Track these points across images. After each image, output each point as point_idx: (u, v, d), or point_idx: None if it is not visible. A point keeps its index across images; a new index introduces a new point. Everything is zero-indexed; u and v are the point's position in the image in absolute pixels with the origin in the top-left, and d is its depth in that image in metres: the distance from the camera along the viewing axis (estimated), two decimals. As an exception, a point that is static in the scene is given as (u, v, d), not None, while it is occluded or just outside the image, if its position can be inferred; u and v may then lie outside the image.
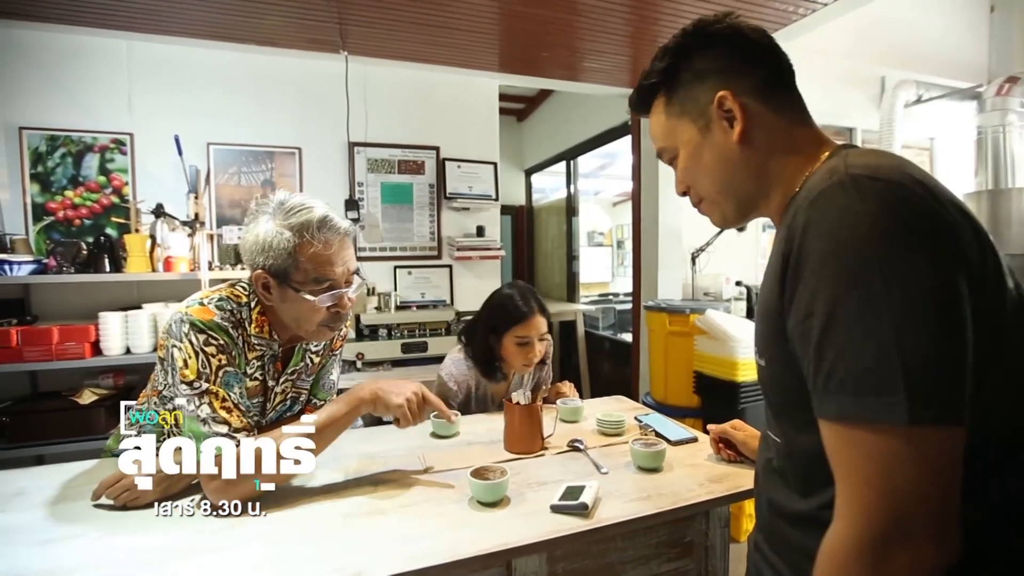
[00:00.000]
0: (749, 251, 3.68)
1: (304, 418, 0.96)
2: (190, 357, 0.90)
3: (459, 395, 1.52)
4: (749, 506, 2.39)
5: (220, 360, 0.92)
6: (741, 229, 3.28)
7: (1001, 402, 0.50)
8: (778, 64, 0.67)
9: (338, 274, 1.00)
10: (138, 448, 1.11)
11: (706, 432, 1.23)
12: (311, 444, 0.93)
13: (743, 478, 1.02)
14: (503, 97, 3.25)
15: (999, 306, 0.49)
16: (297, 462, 0.91)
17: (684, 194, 0.76)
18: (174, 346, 0.92)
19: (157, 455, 1.08)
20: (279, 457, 0.90)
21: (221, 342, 0.93)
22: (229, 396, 0.92)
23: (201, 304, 0.95)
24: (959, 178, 4.27)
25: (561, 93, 4.60)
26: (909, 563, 0.44)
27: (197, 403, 0.89)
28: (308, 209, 0.96)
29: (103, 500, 0.91)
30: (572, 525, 0.85)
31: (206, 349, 0.91)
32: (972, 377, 0.46)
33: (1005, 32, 4.26)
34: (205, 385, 0.90)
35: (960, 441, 0.45)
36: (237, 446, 0.88)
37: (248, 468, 0.88)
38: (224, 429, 0.89)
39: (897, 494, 0.44)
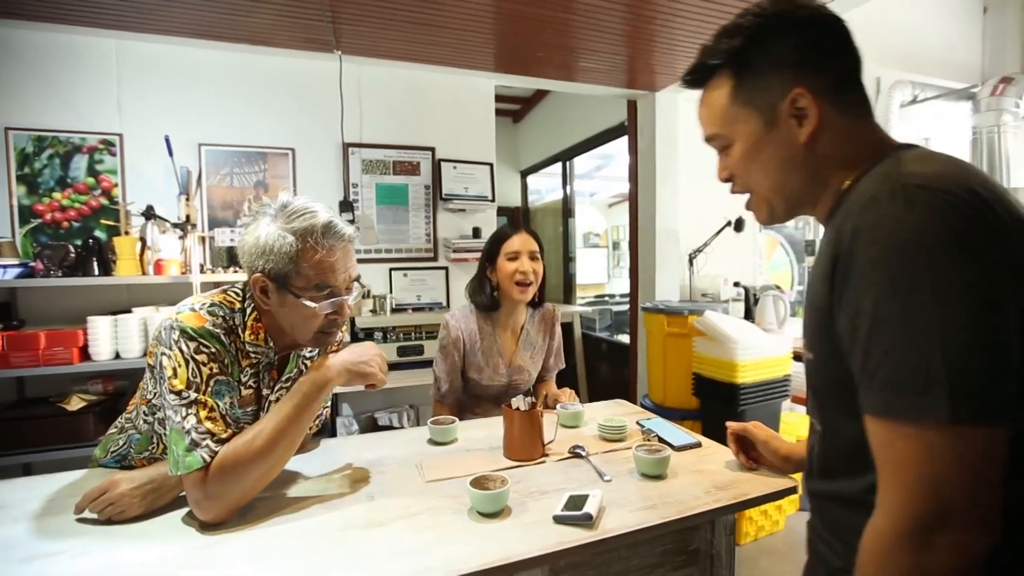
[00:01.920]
0: (747, 252, 3.67)
1: (274, 408, 0.92)
2: (179, 366, 0.87)
3: (462, 342, 1.55)
4: (752, 510, 2.37)
5: (211, 369, 0.89)
6: (739, 229, 3.28)
7: None
8: (854, 59, 0.65)
9: (340, 281, 0.97)
10: (123, 463, 1.09)
11: (707, 435, 1.22)
12: (287, 433, 0.89)
13: (749, 485, 1.00)
14: (499, 98, 3.23)
15: None
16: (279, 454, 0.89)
17: (727, 181, 0.74)
18: (163, 354, 0.89)
19: (143, 466, 1.06)
20: (257, 454, 0.86)
21: (212, 350, 0.90)
22: (217, 406, 0.88)
23: (192, 310, 0.92)
24: (954, 178, 4.29)
25: (557, 94, 4.59)
26: (949, 550, 0.46)
27: (184, 414, 0.85)
28: (312, 213, 0.94)
29: (87, 514, 0.87)
30: (576, 537, 0.82)
31: (196, 357, 0.88)
32: (1021, 378, 0.47)
33: (998, 33, 4.29)
34: (194, 395, 0.86)
35: (1002, 438, 0.47)
36: (214, 456, 0.85)
37: (232, 477, 0.84)
38: (207, 441, 0.85)
39: (937, 486, 0.47)
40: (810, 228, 4.02)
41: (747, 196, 0.74)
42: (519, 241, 1.53)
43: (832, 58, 0.64)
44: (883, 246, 0.50)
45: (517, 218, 1.56)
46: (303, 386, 0.94)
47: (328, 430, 2.63)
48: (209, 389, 0.88)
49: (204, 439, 0.85)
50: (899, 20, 3.98)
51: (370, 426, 2.81)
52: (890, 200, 0.52)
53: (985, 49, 4.37)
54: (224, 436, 0.87)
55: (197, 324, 0.89)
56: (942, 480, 0.47)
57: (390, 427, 2.78)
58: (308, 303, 0.94)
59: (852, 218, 0.54)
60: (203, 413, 0.86)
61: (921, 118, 4.03)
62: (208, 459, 0.84)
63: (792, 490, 1.00)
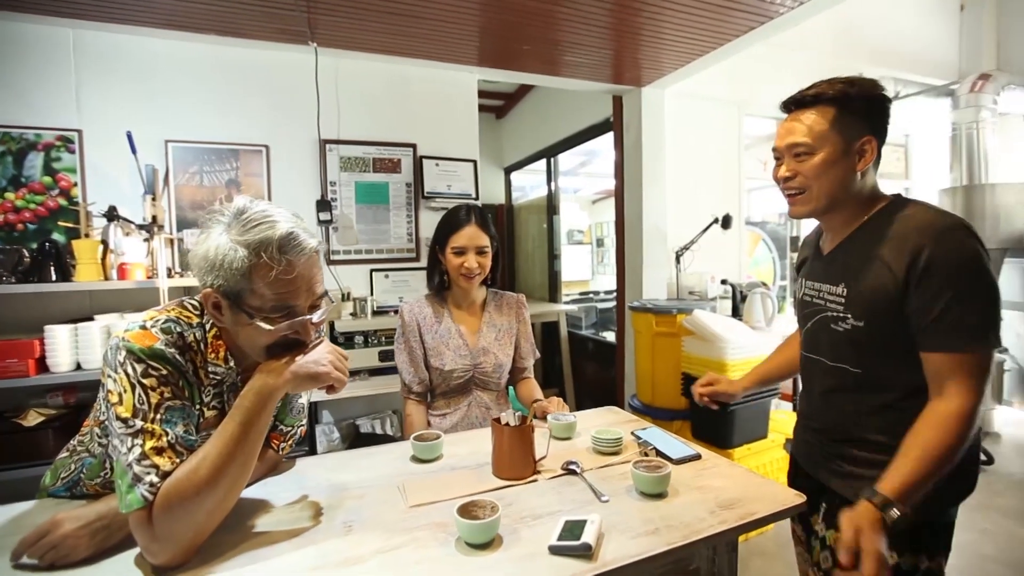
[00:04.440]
0: (731, 249, 3.65)
1: (217, 430, 0.81)
2: (125, 391, 0.77)
3: (416, 327, 1.53)
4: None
5: (161, 394, 0.79)
6: (727, 226, 3.26)
7: None
8: (887, 131, 1.00)
9: (301, 301, 0.85)
10: (75, 490, 0.99)
11: (696, 437, 1.26)
12: (234, 457, 0.79)
13: (756, 503, 0.94)
14: (481, 94, 3.14)
15: None
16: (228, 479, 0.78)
17: (788, 180, 1.03)
18: (109, 376, 0.79)
19: (96, 492, 0.96)
20: (203, 485, 0.75)
21: (163, 372, 0.80)
22: (166, 434, 0.78)
23: (143, 328, 0.82)
24: (934, 174, 4.34)
25: (541, 89, 4.51)
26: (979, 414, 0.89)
27: (129, 444, 0.76)
28: (270, 224, 0.82)
29: (25, 560, 0.77)
30: (575, 570, 0.75)
31: (144, 381, 0.78)
32: None
33: (975, 30, 4.33)
34: (140, 424, 0.76)
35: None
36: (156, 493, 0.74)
37: (178, 514, 0.74)
38: (150, 475, 0.74)
39: (984, 380, 0.89)
40: (793, 225, 4.03)
41: (784, 193, 1.05)
42: (467, 236, 1.48)
43: (886, 127, 1.00)
44: (961, 258, 0.89)
45: (469, 208, 1.48)
46: (245, 399, 0.82)
47: (307, 441, 2.53)
48: (158, 416, 0.78)
49: (147, 473, 0.74)
50: (880, 18, 3.99)
51: (352, 433, 2.71)
52: (960, 232, 0.90)
53: (963, 47, 4.41)
54: (170, 469, 0.76)
55: (146, 344, 0.79)
56: (985, 377, 0.89)
57: (373, 434, 2.69)
58: (263, 325, 0.82)
59: (931, 240, 0.90)
60: (149, 444, 0.76)
61: (902, 114, 4.06)
62: (151, 496, 0.73)
63: (800, 506, 0.95)
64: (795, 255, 3.32)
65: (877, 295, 0.95)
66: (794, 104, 1.02)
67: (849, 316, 0.99)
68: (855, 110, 0.96)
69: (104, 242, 2.10)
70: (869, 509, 0.85)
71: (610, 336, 4.11)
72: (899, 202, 1.00)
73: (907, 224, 0.94)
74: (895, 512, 0.84)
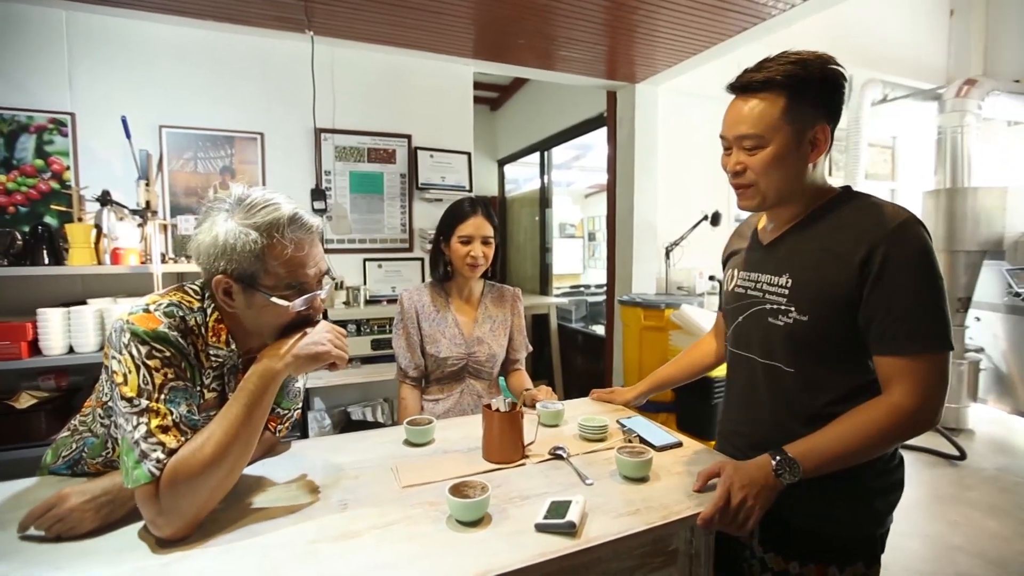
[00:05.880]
0: (721, 246, 3.70)
1: (222, 411, 0.84)
2: (130, 371, 0.80)
3: (415, 314, 1.57)
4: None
5: (165, 375, 0.82)
6: (716, 223, 3.31)
7: None
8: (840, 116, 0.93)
9: (311, 276, 0.91)
10: (76, 469, 1.01)
11: (682, 430, 1.28)
12: (238, 437, 0.82)
13: (731, 487, 0.99)
14: (476, 85, 3.15)
15: None
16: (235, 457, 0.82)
17: (738, 173, 0.95)
18: (114, 358, 0.82)
19: (97, 471, 0.99)
20: (208, 463, 0.79)
21: (167, 354, 0.83)
22: (171, 414, 0.81)
23: (146, 311, 0.84)
24: (919, 176, 4.43)
25: (536, 82, 4.53)
26: (938, 413, 0.87)
27: (135, 423, 0.79)
28: (275, 206, 0.87)
29: (32, 531, 0.80)
30: (559, 546, 0.79)
31: (148, 363, 0.81)
32: None
33: (963, 36, 4.41)
34: (145, 403, 0.79)
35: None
36: (163, 469, 0.77)
37: (184, 490, 0.77)
38: (157, 452, 0.78)
39: (941, 386, 0.85)
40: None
41: (733, 186, 0.98)
42: (473, 225, 1.52)
43: (840, 109, 0.92)
44: (917, 252, 0.85)
45: (473, 201, 1.54)
46: (249, 382, 0.86)
47: (299, 427, 2.56)
48: (163, 396, 0.81)
49: (154, 450, 0.78)
50: (870, 20, 4.05)
51: (343, 420, 2.75)
52: (916, 226, 0.86)
53: (951, 51, 4.49)
54: (176, 447, 0.80)
55: (149, 327, 0.82)
56: (945, 382, 0.85)
57: (364, 421, 2.72)
58: (280, 301, 0.87)
59: (886, 233, 0.85)
60: (155, 422, 0.79)
61: (889, 117, 4.13)
62: (157, 472, 0.77)
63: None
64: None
65: (826, 289, 0.89)
66: (741, 88, 0.93)
67: (792, 309, 0.93)
68: (807, 97, 0.88)
69: (97, 226, 2.11)
70: (766, 468, 0.86)
71: (599, 329, 4.17)
72: (848, 193, 0.96)
73: (859, 217, 0.89)
74: (788, 479, 0.85)
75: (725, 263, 1.21)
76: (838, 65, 0.90)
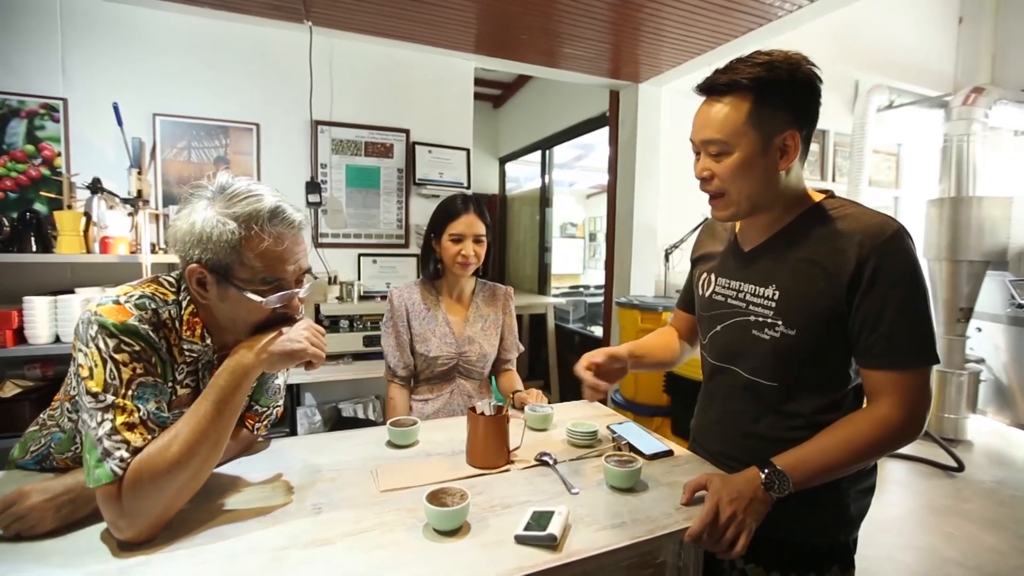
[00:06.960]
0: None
1: (191, 408, 0.81)
2: (96, 365, 0.76)
3: (405, 311, 1.53)
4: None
5: (133, 370, 0.78)
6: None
7: None
8: (816, 122, 0.89)
9: (289, 274, 0.87)
10: (44, 464, 0.98)
11: (677, 433, 1.24)
12: (207, 436, 0.79)
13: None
14: (479, 82, 3.12)
15: None
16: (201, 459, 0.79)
17: (705, 180, 0.92)
18: (80, 351, 0.78)
19: (66, 466, 0.96)
20: (174, 463, 0.75)
21: (136, 349, 0.79)
22: (138, 410, 0.77)
23: (115, 303, 0.81)
24: (924, 184, 4.38)
25: (539, 80, 4.48)
26: (922, 423, 0.86)
27: (99, 419, 0.75)
28: (257, 197, 0.83)
29: (-10, 529, 0.77)
30: (539, 560, 0.76)
31: (116, 356, 0.77)
32: None
33: (972, 43, 4.37)
34: (111, 399, 0.76)
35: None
36: (127, 468, 0.74)
37: (148, 491, 0.74)
38: (120, 451, 0.74)
39: (927, 398, 0.85)
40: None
41: (703, 192, 0.95)
42: (465, 223, 1.49)
43: (813, 114, 0.87)
44: (905, 264, 0.83)
45: (465, 198, 1.50)
46: (220, 378, 0.82)
47: (288, 422, 2.53)
48: (130, 392, 0.77)
49: (118, 448, 0.74)
50: (879, 26, 4.00)
51: (334, 417, 2.72)
52: (903, 237, 0.84)
53: (959, 59, 4.45)
54: (141, 445, 0.76)
55: (119, 319, 0.78)
56: (930, 393, 0.85)
57: (355, 418, 2.69)
58: (253, 297, 0.84)
59: (875, 244, 0.83)
60: (120, 419, 0.76)
61: (895, 123, 4.08)
62: (120, 472, 0.73)
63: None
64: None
65: (815, 302, 0.87)
66: (706, 90, 0.89)
67: (779, 323, 0.90)
68: (774, 100, 0.83)
69: (87, 214, 2.07)
70: (755, 481, 0.84)
71: (598, 331, 4.14)
72: (831, 201, 0.92)
73: (846, 227, 0.86)
74: (777, 492, 0.83)
75: (695, 263, 1.15)
76: (812, 65, 0.85)
